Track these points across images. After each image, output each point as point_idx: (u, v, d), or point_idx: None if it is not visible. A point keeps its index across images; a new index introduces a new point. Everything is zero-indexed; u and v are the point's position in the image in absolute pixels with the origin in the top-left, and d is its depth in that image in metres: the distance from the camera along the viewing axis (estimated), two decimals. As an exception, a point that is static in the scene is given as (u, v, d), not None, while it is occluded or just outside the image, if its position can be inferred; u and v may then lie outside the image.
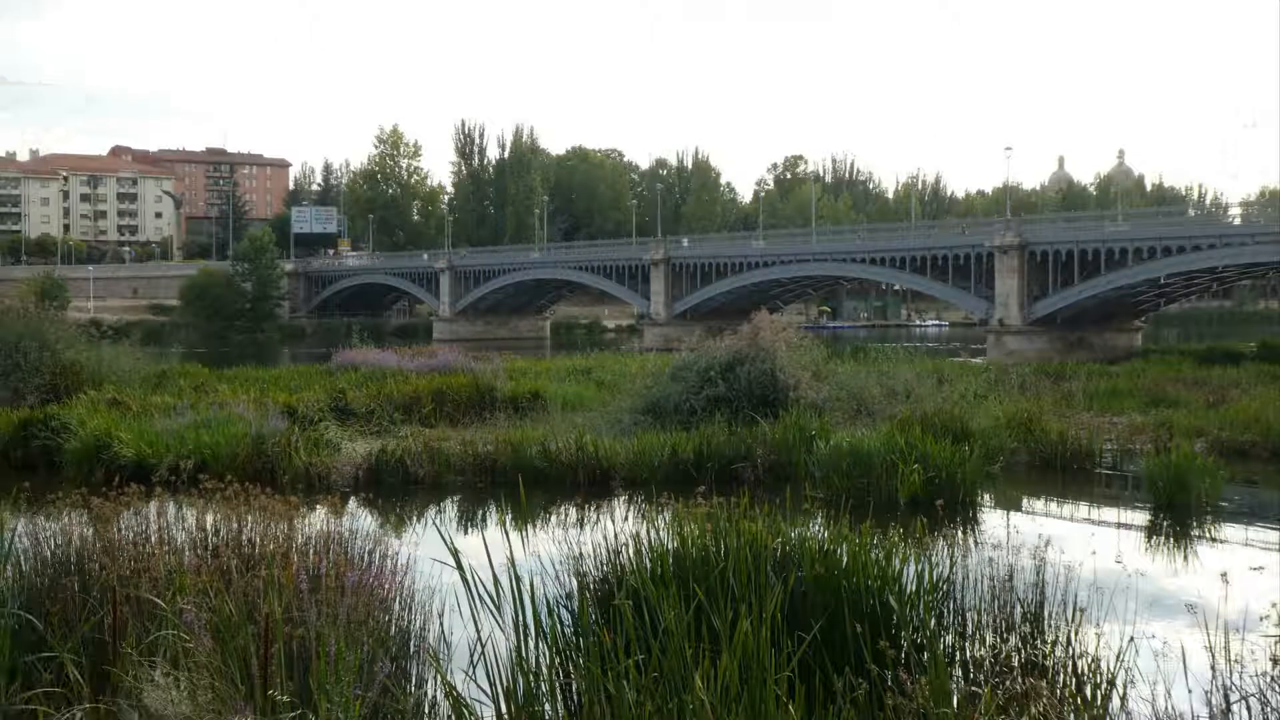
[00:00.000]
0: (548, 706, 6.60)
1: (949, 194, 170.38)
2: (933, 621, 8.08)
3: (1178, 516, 16.56)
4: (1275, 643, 6.57)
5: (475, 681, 6.79)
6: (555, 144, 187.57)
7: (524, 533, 14.72)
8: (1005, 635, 8.23)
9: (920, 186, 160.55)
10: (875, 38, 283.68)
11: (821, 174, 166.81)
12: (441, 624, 8.24)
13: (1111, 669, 6.90)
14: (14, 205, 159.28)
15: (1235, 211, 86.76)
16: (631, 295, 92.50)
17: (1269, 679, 6.42)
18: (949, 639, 8.25)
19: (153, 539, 9.20)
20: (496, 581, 7.23)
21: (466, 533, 16.43)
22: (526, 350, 66.11)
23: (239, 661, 6.62)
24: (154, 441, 19.64)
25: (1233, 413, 24.04)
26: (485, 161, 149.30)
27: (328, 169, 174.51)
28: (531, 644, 7.05)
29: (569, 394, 28.07)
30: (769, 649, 6.50)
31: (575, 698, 7.05)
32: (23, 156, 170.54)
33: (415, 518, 17.53)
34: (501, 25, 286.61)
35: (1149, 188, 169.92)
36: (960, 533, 15.29)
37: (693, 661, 6.39)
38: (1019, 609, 8.33)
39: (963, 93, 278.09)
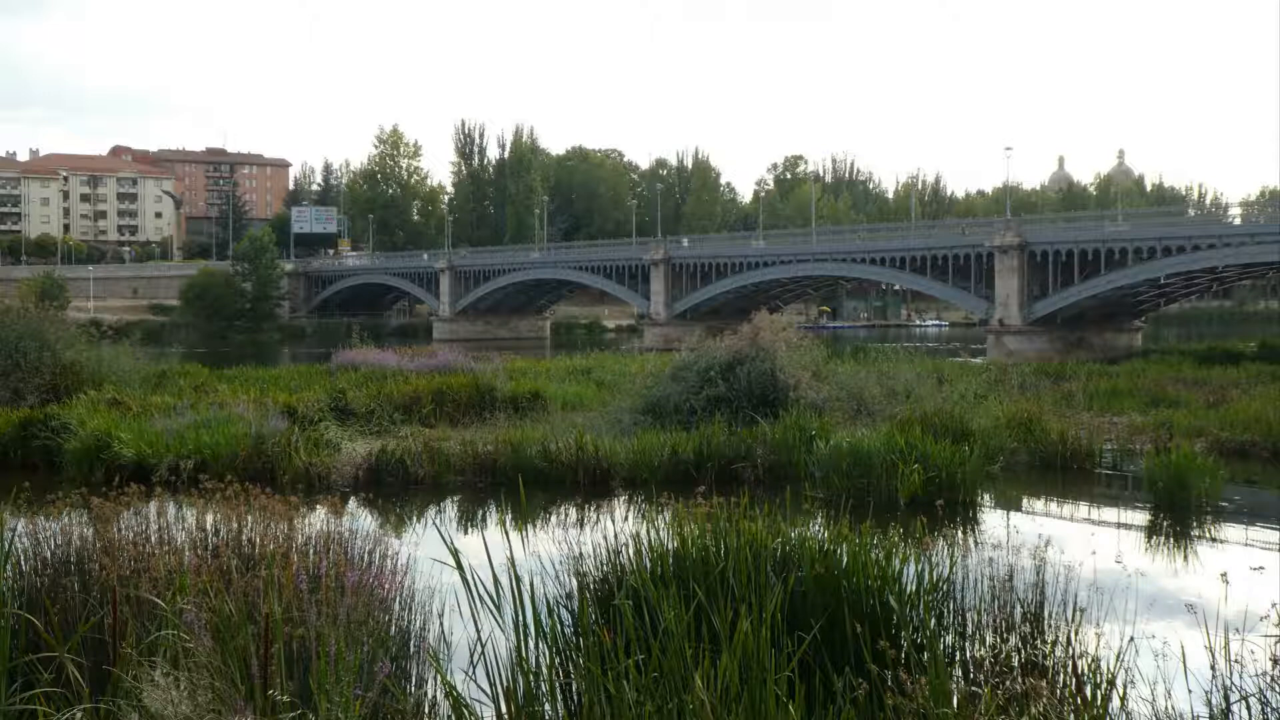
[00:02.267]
0: (548, 706, 6.59)
1: (949, 194, 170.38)
2: (933, 621, 8.07)
3: (1178, 516, 16.56)
4: (1275, 643, 6.55)
5: (475, 681, 6.78)
6: (555, 144, 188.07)
7: (524, 533, 14.74)
8: (1005, 635, 8.22)
9: (920, 186, 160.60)
10: (875, 38, 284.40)
11: (821, 174, 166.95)
12: (441, 624, 8.23)
13: (1111, 669, 6.89)
14: (14, 205, 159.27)
15: (1235, 211, 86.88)
16: (631, 295, 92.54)
17: (1269, 679, 6.41)
18: (949, 639, 8.24)
19: (153, 539, 9.19)
20: (496, 581, 7.22)
21: (466, 533, 16.43)
22: (526, 350, 66.10)
23: (239, 661, 6.61)
24: (154, 441, 19.65)
25: (1233, 413, 24.03)
26: (485, 161, 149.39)
27: (328, 169, 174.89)
28: (531, 644, 7.04)
29: (569, 394, 28.10)
30: (769, 649, 6.50)
31: (575, 698, 7.04)
32: (23, 156, 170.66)
33: (415, 518, 17.53)
34: (501, 25, 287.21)
35: (1149, 188, 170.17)
36: (960, 533, 15.29)
37: (693, 661, 6.39)
38: (1019, 609, 8.32)
39: (963, 93, 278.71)
